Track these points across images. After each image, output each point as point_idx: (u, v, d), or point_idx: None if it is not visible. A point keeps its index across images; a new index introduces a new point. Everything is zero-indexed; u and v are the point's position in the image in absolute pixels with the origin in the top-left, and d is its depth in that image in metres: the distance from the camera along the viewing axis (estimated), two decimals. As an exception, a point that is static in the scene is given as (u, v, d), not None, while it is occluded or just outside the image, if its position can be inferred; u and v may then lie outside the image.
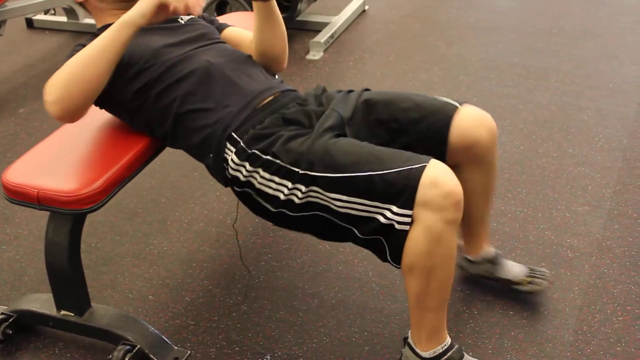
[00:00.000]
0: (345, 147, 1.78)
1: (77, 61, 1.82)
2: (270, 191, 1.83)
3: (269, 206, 1.85)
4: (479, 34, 3.97)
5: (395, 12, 4.29)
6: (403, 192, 1.63)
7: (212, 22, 2.26)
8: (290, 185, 1.79)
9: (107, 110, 2.09)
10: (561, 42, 3.82)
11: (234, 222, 2.51)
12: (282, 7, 3.70)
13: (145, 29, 1.92)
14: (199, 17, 2.19)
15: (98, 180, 1.90)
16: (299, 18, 3.87)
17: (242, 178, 1.88)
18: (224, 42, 2.17)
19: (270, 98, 1.98)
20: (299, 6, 3.71)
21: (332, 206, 1.74)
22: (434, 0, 4.50)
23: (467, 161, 1.97)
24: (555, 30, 3.95)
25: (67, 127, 2.16)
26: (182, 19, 2.16)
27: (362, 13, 4.24)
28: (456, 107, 1.92)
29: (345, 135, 1.87)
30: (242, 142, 1.88)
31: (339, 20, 4.00)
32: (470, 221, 2.07)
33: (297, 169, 1.77)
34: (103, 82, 1.84)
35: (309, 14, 4.02)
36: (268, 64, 2.18)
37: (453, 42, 3.89)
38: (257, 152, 1.85)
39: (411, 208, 1.63)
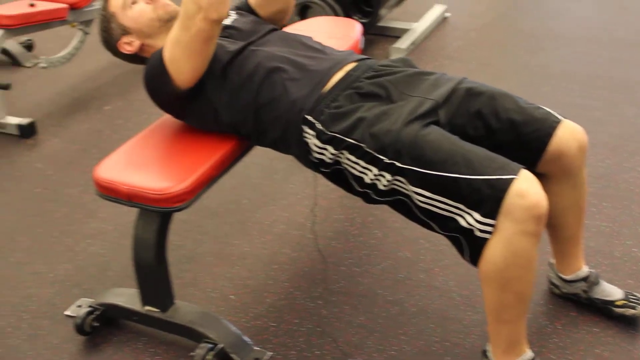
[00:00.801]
0: (435, 142, 1.73)
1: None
2: (356, 172, 1.82)
3: (355, 184, 1.85)
4: (560, 44, 3.90)
5: (476, 20, 4.25)
6: (488, 200, 1.61)
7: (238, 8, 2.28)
8: (375, 171, 1.78)
9: (191, 122, 2.13)
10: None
11: (313, 225, 2.52)
12: (364, 12, 3.71)
13: (224, 34, 2.04)
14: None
15: (187, 180, 1.92)
16: (379, 24, 3.86)
17: (327, 160, 1.87)
18: (276, 29, 2.20)
19: (341, 74, 1.96)
20: (380, 11, 3.71)
21: (414, 199, 1.73)
22: (515, 10, 4.45)
23: (555, 172, 1.93)
24: (636, 41, 3.86)
25: (157, 126, 2.20)
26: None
27: (443, 20, 4.21)
28: (560, 121, 1.88)
29: (437, 122, 1.84)
30: (319, 124, 1.86)
31: (419, 27, 3.98)
32: (562, 239, 2.03)
33: (383, 157, 1.76)
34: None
35: (389, 20, 4.01)
36: (273, 13, 2.21)
37: (534, 51, 3.84)
38: (338, 135, 1.83)
39: (494, 218, 1.60)
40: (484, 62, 3.71)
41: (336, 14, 3.61)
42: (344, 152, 1.83)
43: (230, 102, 2.01)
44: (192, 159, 2.02)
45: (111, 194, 1.95)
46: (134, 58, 2.15)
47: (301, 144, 1.93)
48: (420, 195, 1.71)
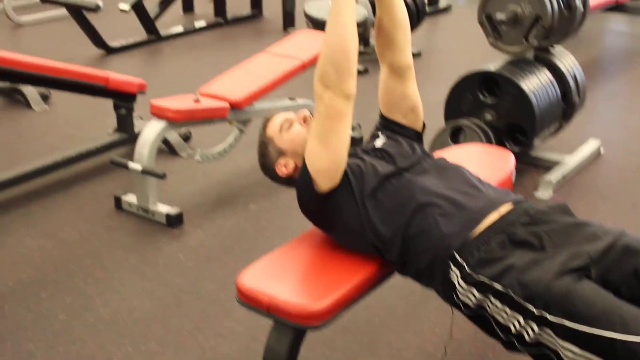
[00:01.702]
0: (589, 296, 1.68)
1: (327, 37, 1.94)
2: (502, 320, 1.78)
3: (499, 331, 1.81)
4: None
5: (633, 158, 4.12)
6: None
7: None
8: (522, 320, 1.74)
9: (338, 238, 2.13)
10: None
11: (444, 358, 2.44)
12: (517, 140, 3.67)
13: (366, 156, 2.07)
14: None
15: (327, 298, 1.92)
16: (532, 153, 3.81)
17: (471, 304, 1.84)
18: (430, 156, 2.20)
19: (496, 215, 1.93)
20: (534, 141, 3.66)
21: (562, 353, 1.66)
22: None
23: None
24: None
25: (305, 237, 2.22)
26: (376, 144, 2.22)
27: (597, 156, 4.11)
28: None
29: (590, 276, 1.77)
30: (468, 267, 1.84)
31: (572, 160, 3.89)
32: None
33: (531, 307, 1.71)
34: (357, 42, 1.96)
35: (542, 150, 3.95)
36: (390, 57, 2.19)
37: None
38: (486, 280, 1.80)
39: None
40: (637, 207, 3.56)
41: (489, 140, 3.58)
42: (490, 297, 1.80)
43: (378, 226, 2.01)
44: (334, 276, 2.02)
45: (251, 302, 1.97)
46: (290, 181, 2.20)
47: (446, 281, 1.90)
48: (570, 351, 1.65)
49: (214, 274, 3.02)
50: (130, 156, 3.56)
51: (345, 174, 2.05)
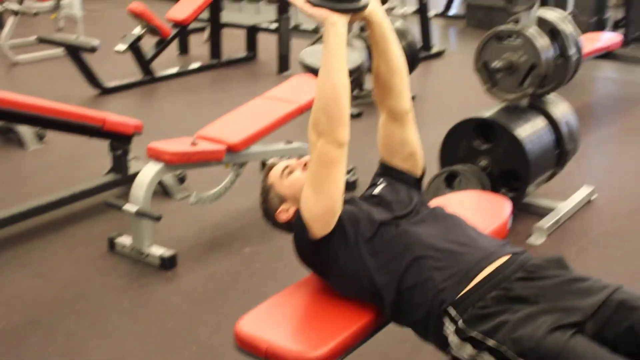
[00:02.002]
0: (582, 353, 1.69)
1: (319, 84, 1.95)
2: None
3: None
4: None
5: (624, 205, 4.14)
6: None
7: None
8: None
9: (335, 284, 2.13)
10: None
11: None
12: (511, 187, 3.69)
13: (363, 203, 2.09)
14: None
15: (325, 346, 1.91)
16: (525, 200, 3.82)
17: (466, 357, 1.83)
18: (427, 205, 2.20)
19: (491, 268, 1.93)
20: (528, 188, 3.68)
21: None
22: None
23: None
24: None
25: (302, 283, 2.22)
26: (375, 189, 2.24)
27: (589, 202, 4.13)
28: None
29: (584, 332, 1.77)
30: (462, 321, 1.84)
31: (565, 207, 3.91)
32: None
33: None
34: (348, 90, 1.98)
35: (535, 197, 3.97)
36: (389, 102, 2.20)
37: (688, 247, 3.68)
38: (479, 336, 1.80)
39: None
40: (631, 253, 3.58)
41: (484, 186, 3.60)
42: (484, 353, 1.80)
43: (374, 274, 2.01)
44: (332, 324, 2.01)
45: (249, 349, 1.96)
46: (291, 227, 2.19)
47: (440, 336, 1.90)
48: None
49: (207, 318, 3.01)
50: (125, 197, 3.57)
51: (341, 220, 2.05)
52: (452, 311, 1.87)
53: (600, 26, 7.46)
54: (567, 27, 3.82)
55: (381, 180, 2.30)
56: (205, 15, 6.85)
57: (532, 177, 3.65)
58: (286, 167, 2.22)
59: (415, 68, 6.01)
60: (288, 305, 2.12)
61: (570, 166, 4.13)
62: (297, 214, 2.06)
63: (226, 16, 7.17)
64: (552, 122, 3.85)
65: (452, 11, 9.63)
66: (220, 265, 3.43)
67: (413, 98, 5.82)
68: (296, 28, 7.57)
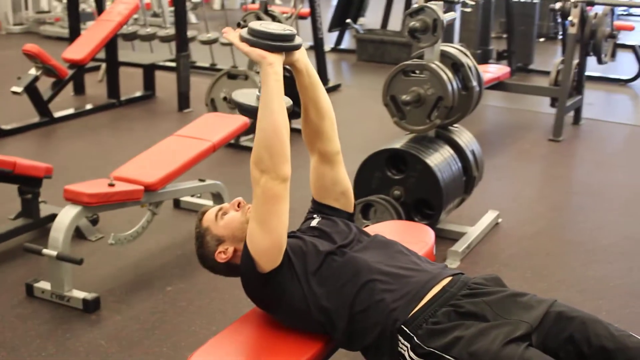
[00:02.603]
0: None
1: (260, 123, 2.02)
2: None
3: None
4: (613, 258, 3.98)
5: (527, 227, 4.36)
6: None
7: None
8: None
9: (280, 317, 2.18)
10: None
11: None
12: (424, 215, 3.83)
13: (305, 236, 2.18)
14: None
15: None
16: (438, 226, 3.97)
17: None
18: (365, 233, 2.32)
19: (438, 288, 2.03)
20: (440, 215, 3.83)
21: None
22: (563, 219, 4.58)
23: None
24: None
25: (246, 318, 2.25)
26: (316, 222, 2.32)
27: (495, 225, 4.33)
28: None
29: (531, 344, 1.90)
30: (417, 338, 1.93)
31: (475, 231, 4.08)
32: None
33: None
34: (288, 127, 2.06)
35: (447, 223, 4.12)
36: (320, 145, 2.30)
37: (588, 264, 3.91)
38: (435, 351, 1.89)
39: None
40: (539, 272, 3.77)
41: (399, 215, 3.73)
42: None
43: (324, 303, 2.07)
44: (285, 356, 2.05)
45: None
46: (230, 269, 2.23)
47: (394, 354, 1.98)
48: None
49: (138, 359, 2.98)
50: (36, 242, 3.50)
51: (287, 253, 2.11)
52: (407, 329, 1.95)
53: (485, 58, 7.81)
54: (468, 60, 4.02)
55: (316, 215, 2.37)
56: (100, 54, 6.76)
57: (444, 205, 3.80)
58: (219, 209, 2.27)
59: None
60: (235, 341, 2.15)
61: (475, 192, 4.31)
62: (244, 251, 2.10)
63: (122, 55, 7.11)
64: (459, 151, 4.03)
65: (343, 45, 9.85)
66: (145, 305, 3.40)
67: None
68: (193, 66, 7.60)
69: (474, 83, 3.99)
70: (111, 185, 3.50)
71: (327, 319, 2.06)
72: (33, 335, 3.14)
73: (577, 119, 6.57)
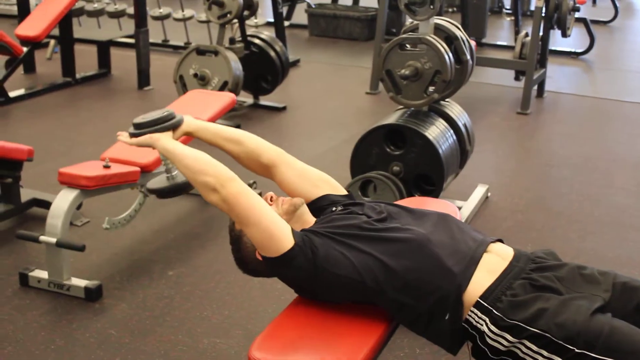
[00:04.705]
0: (627, 332, 1.80)
1: (188, 173, 2.11)
2: None
3: None
4: (606, 229, 4.01)
5: (517, 200, 4.36)
6: None
7: None
8: None
9: (328, 296, 2.12)
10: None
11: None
12: (424, 190, 3.79)
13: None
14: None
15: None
16: (435, 201, 3.93)
17: (502, 348, 1.88)
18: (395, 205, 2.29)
19: (505, 263, 2.03)
20: (441, 191, 3.79)
21: None
22: (549, 191, 4.60)
23: None
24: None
25: (296, 303, 2.16)
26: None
27: (485, 200, 4.32)
28: None
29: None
30: (497, 311, 1.89)
31: (469, 206, 4.07)
32: None
33: (572, 347, 1.79)
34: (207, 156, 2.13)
35: (441, 198, 4.08)
36: (264, 162, 2.33)
37: (584, 235, 3.93)
38: (520, 323, 1.85)
39: None
40: (539, 245, 3.76)
41: (399, 191, 3.67)
42: (525, 341, 1.84)
43: (373, 267, 2.02)
44: (349, 340, 1.99)
45: (274, 376, 1.88)
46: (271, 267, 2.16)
47: (456, 322, 1.95)
48: None
49: (153, 348, 2.86)
50: (20, 227, 3.33)
51: (312, 232, 2.11)
52: (483, 302, 1.92)
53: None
54: (461, 33, 3.97)
55: (324, 214, 2.31)
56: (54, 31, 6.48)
57: (445, 179, 3.76)
58: None
59: (285, 76, 6.03)
60: (295, 327, 2.06)
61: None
62: (264, 256, 2.08)
63: (76, 31, 6.82)
64: (452, 125, 3.99)
65: (293, 20, 9.72)
66: (149, 291, 3.27)
67: (284, 109, 5.94)
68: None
69: (468, 56, 3.95)
70: (107, 167, 3.34)
71: (377, 284, 2.00)
72: (36, 327, 2.98)
73: (540, 92, 6.62)
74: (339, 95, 6.54)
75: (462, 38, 3.94)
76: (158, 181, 2.32)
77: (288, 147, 4.92)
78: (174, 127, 2.29)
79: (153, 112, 2.31)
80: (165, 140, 2.20)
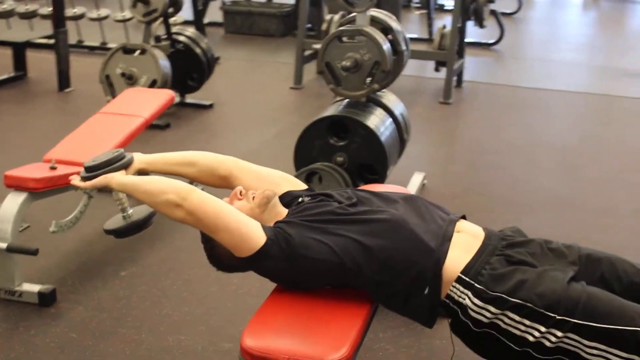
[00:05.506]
0: (603, 298, 1.91)
1: (150, 199, 2.16)
2: (518, 332, 1.93)
3: (513, 345, 1.94)
4: (541, 210, 4.18)
5: (453, 187, 4.49)
6: None
7: None
8: (543, 329, 1.90)
9: (308, 278, 2.15)
10: (611, 221, 4.06)
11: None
12: (367, 180, 3.85)
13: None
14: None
15: (344, 347, 1.92)
16: (378, 190, 4.00)
17: (485, 320, 1.96)
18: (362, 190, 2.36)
19: (478, 242, 2.12)
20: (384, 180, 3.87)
21: (583, 353, 1.86)
22: (483, 177, 4.75)
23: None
24: (605, 210, 4.21)
25: (278, 291, 2.18)
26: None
27: (423, 187, 4.42)
28: None
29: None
30: (479, 284, 1.98)
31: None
32: None
33: (553, 314, 1.88)
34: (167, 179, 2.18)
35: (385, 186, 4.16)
36: (220, 174, 2.39)
37: (520, 216, 4.08)
38: (503, 295, 1.93)
39: None
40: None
41: (345, 181, 3.72)
42: (507, 312, 1.93)
43: (358, 249, 2.07)
44: (337, 322, 2.02)
45: (268, 364, 1.90)
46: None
47: (434, 298, 2.03)
48: (595, 349, 1.85)
49: (119, 349, 2.82)
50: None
51: (286, 222, 2.15)
52: (464, 277, 2.01)
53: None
54: (396, 25, 4.05)
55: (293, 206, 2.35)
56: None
57: (388, 167, 3.84)
58: None
59: (211, 73, 6.00)
60: (282, 314, 2.08)
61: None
62: (240, 257, 2.11)
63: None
64: (391, 114, 4.07)
65: (207, 17, 9.65)
66: (103, 293, 3.22)
67: (211, 106, 5.92)
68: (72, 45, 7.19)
69: (403, 47, 4.04)
70: (53, 168, 3.27)
71: (355, 264, 2.05)
72: (-9, 336, 2.90)
73: (459, 81, 6.81)
74: (263, 91, 6.56)
75: (397, 29, 4.03)
76: (114, 222, 2.39)
77: (220, 145, 4.94)
78: (126, 166, 2.36)
79: (103, 154, 2.38)
80: (120, 177, 2.27)
